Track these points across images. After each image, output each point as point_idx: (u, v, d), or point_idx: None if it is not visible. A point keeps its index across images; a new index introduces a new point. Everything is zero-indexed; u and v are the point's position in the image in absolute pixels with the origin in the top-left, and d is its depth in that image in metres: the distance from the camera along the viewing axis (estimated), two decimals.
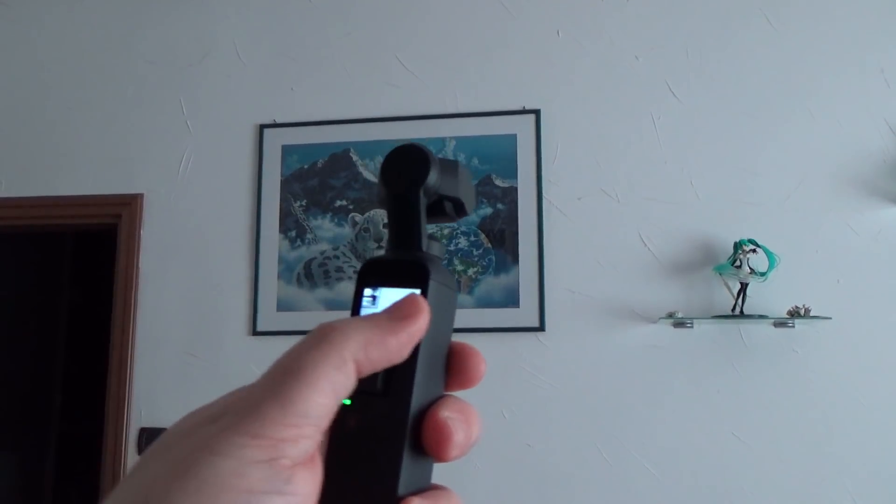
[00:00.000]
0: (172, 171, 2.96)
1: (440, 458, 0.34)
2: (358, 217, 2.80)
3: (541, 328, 2.63)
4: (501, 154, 2.75)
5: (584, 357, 2.62)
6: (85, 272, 4.85)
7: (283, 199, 2.85)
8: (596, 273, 2.66)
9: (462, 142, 2.78)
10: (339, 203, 2.82)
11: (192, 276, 2.85)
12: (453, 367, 0.36)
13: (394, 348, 0.32)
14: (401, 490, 0.33)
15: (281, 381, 0.29)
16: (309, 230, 2.82)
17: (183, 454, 0.28)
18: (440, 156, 0.39)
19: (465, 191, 0.40)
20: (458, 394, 0.37)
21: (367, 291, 0.37)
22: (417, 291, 0.35)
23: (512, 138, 2.75)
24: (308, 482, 0.29)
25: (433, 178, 0.38)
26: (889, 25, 2.66)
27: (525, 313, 2.64)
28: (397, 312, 0.33)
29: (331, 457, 0.34)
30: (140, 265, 2.90)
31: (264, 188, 2.87)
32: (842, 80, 2.66)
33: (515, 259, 2.67)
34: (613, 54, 2.79)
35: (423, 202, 0.38)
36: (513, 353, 2.63)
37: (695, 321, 2.53)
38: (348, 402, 0.34)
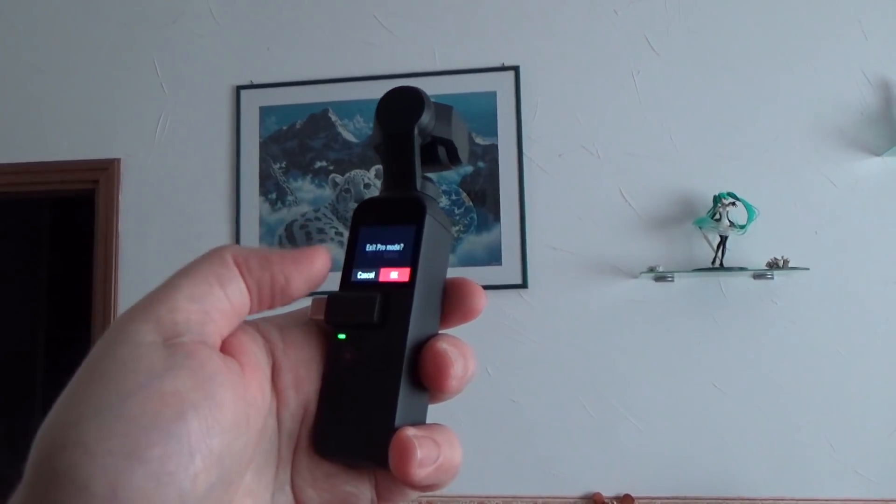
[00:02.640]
0: (149, 135, 2.92)
1: (439, 389, 0.34)
2: (338, 178, 2.79)
3: (523, 285, 2.65)
4: (481, 112, 2.73)
5: (567, 313, 2.64)
6: (64, 238, 4.81)
7: (262, 161, 2.83)
8: (577, 229, 2.67)
9: (441, 100, 2.74)
10: (318, 164, 2.80)
11: (173, 241, 2.83)
12: (453, 301, 0.37)
13: (276, 266, 0.33)
14: (397, 421, 0.33)
15: (168, 280, 0.31)
16: (289, 192, 2.80)
17: (87, 359, 0.29)
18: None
19: (459, 135, 0.40)
20: None
21: (363, 231, 0.37)
22: (413, 228, 0.36)
23: (491, 95, 2.74)
24: (213, 360, 0.30)
25: (427, 117, 0.38)
26: None
27: (507, 271, 2.66)
28: (297, 250, 0.35)
29: (326, 390, 0.34)
30: (119, 230, 2.88)
31: (243, 150, 2.84)
32: (819, 31, 2.66)
33: (497, 217, 2.68)
34: (592, 9, 2.77)
35: (418, 142, 0.38)
36: (496, 310, 2.64)
37: (675, 275, 2.56)
38: (343, 336, 0.35)
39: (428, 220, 0.37)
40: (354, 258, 0.37)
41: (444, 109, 0.40)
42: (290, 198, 2.79)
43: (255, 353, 0.33)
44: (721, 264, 2.52)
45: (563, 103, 2.73)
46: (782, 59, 2.65)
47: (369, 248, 0.37)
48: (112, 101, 2.96)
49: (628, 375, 2.59)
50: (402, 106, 0.38)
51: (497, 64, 2.76)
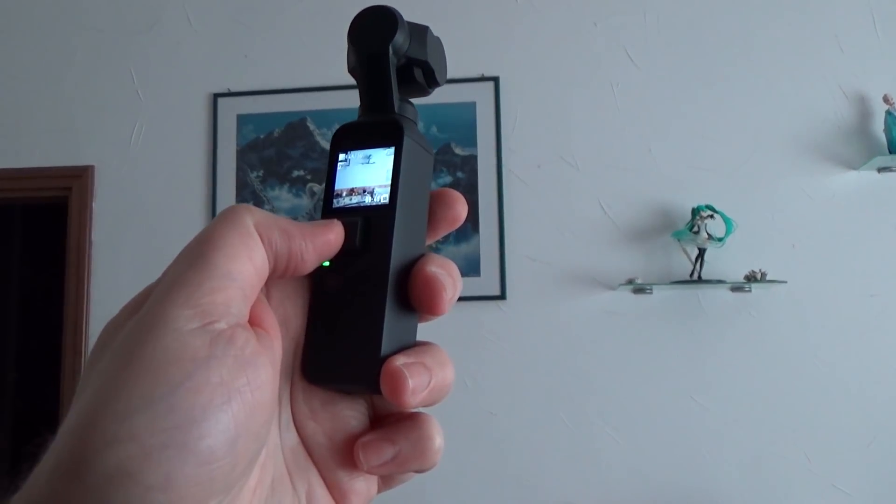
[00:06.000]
0: (124, 142, 2.88)
1: (432, 313, 0.35)
2: (316, 187, 2.76)
3: (502, 296, 2.64)
4: (461, 122, 2.72)
5: (546, 324, 2.63)
6: (35, 246, 4.74)
7: (239, 170, 2.80)
8: (556, 240, 2.66)
9: (420, 109, 2.72)
10: (296, 173, 2.78)
11: (147, 250, 2.79)
12: (437, 211, 0.37)
13: (296, 241, 0.32)
14: (384, 348, 0.33)
15: (198, 253, 0.30)
16: (266, 201, 2.77)
17: (122, 344, 0.28)
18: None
19: (435, 57, 0.39)
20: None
21: (342, 156, 0.37)
22: (392, 150, 0.36)
23: (471, 106, 2.73)
24: (250, 342, 0.29)
25: (401, 37, 0.37)
26: None
27: (486, 282, 2.64)
28: (313, 223, 0.34)
29: (314, 318, 0.34)
30: (92, 239, 2.83)
31: (219, 159, 2.81)
32: (797, 46, 2.68)
33: (476, 228, 2.67)
34: (572, 21, 2.77)
35: (393, 63, 0.37)
36: (474, 321, 2.63)
37: (654, 287, 2.56)
38: (327, 263, 0.34)
39: (406, 141, 0.36)
40: (334, 185, 0.37)
41: (419, 29, 0.38)
42: (267, 207, 2.76)
43: (270, 311, 0.33)
44: (699, 277, 2.52)
45: (542, 114, 2.73)
46: (760, 73, 2.67)
47: (348, 173, 0.36)
48: (86, 108, 2.92)
49: (606, 388, 2.58)
50: (375, 26, 0.37)
51: (477, 74, 2.75)
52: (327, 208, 0.36)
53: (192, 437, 0.26)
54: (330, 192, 0.37)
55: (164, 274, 0.31)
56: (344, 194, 0.36)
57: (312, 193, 2.76)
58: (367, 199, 0.35)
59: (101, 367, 0.28)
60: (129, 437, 0.26)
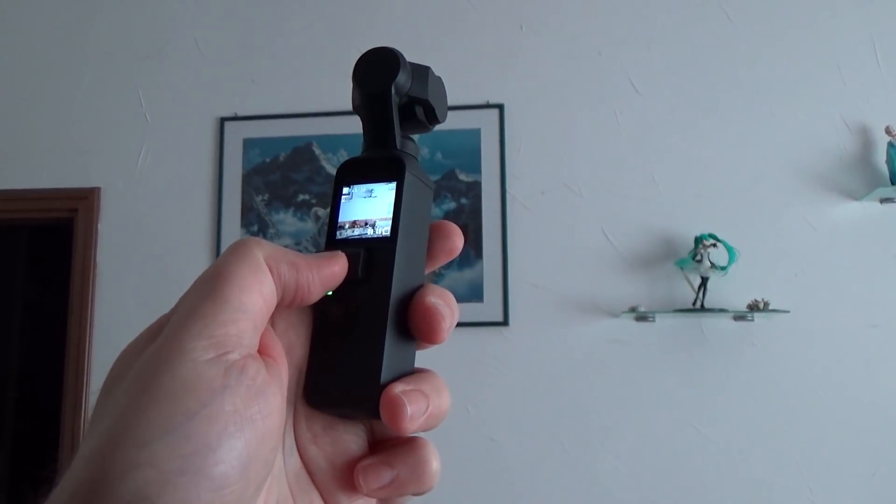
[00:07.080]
0: (130, 165, 2.90)
1: (431, 341, 0.36)
2: (321, 211, 2.78)
3: (505, 323, 2.64)
4: (465, 148, 2.74)
5: (548, 351, 2.62)
6: (40, 267, 4.75)
7: (244, 194, 2.81)
8: (559, 267, 2.67)
9: (425, 136, 2.77)
10: (301, 197, 2.79)
11: (152, 272, 2.80)
12: (435, 243, 0.39)
13: (303, 273, 0.34)
14: (384, 375, 0.34)
15: (212, 285, 0.31)
16: (271, 225, 2.79)
17: (140, 372, 0.29)
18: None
19: (436, 95, 0.41)
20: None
21: (345, 190, 0.39)
22: (393, 185, 0.37)
23: (476, 133, 2.75)
24: (261, 372, 0.31)
25: (403, 77, 0.39)
26: (844, 23, 2.71)
27: (489, 308, 2.64)
28: (319, 255, 0.35)
29: (316, 344, 0.35)
30: (97, 261, 2.84)
31: (225, 182, 2.83)
32: (799, 76, 2.69)
33: (479, 254, 2.67)
34: (576, 49, 2.80)
35: (395, 100, 0.39)
36: (477, 347, 2.63)
37: (656, 315, 2.56)
38: (330, 293, 0.35)
39: (407, 176, 0.38)
40: (338, 217, 0.38)
41: (420, 70, 0.40)
42: (271, 231, 2.78)
43: (277, 340, 0.34)
44: (702, 305, 2.52)
45: (546, 142, 2.75)
46: (763, 103, 2.69)
47: (352, 206, 0.38)
48: (94, 130, 2.94)
49: (608, 415, 2.57)
50: (378, 66, 0.39)
51: (482, 101, 2.77)
52: (331, 240, 0.38)
53: (207, 463, 0.27)
54: (334, 224, 0.38)
55: (179, 305, 0.32)
56: (347, 226, 0.38)
57: (317, 217, 2.77)
58: (370, 232, 0.37)
59: (119, 394, 0.29)
60: (149, 463, 0.27)
